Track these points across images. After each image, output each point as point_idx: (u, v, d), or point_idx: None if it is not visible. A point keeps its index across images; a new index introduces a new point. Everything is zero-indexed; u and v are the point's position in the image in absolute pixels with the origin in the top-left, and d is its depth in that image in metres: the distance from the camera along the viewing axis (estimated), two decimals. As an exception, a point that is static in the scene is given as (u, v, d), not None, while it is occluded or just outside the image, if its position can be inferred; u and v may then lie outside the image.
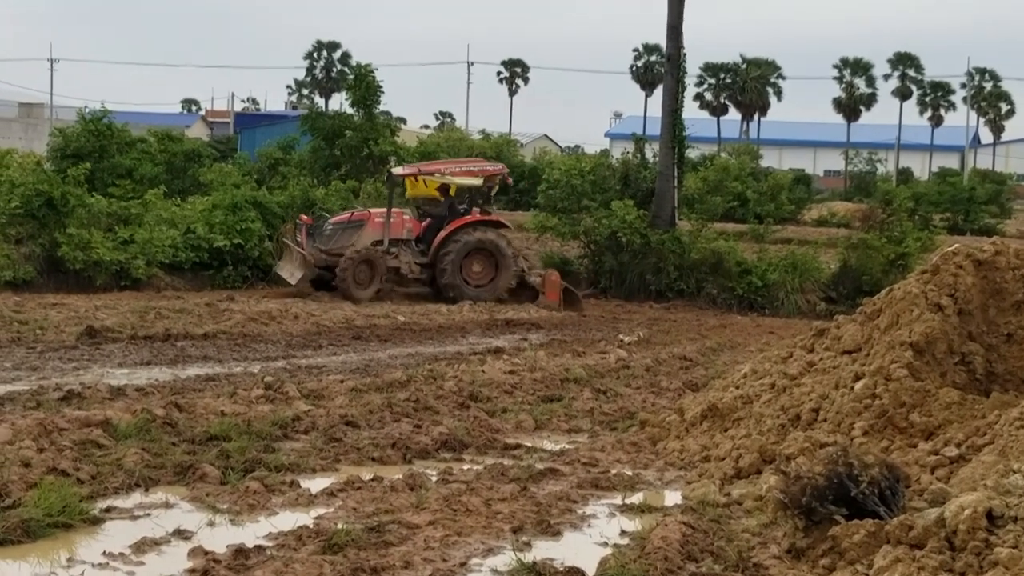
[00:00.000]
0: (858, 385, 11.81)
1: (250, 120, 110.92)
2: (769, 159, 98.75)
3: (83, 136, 38.63)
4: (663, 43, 38.59)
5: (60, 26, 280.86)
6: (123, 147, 39.24)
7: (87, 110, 40.75)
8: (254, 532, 9.70)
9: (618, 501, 11.21)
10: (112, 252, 28.81)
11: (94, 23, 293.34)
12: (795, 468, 9.28)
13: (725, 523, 10.19)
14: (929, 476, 10.24)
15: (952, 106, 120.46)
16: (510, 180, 34.29)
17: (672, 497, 11.59)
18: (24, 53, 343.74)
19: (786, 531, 9.19)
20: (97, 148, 38.22)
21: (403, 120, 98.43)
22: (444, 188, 31.10)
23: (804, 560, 8.83)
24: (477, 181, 31.26)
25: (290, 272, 29.55)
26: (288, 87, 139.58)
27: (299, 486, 11.10)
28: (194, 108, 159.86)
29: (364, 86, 42.23)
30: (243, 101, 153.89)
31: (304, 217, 30.81)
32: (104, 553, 9.10)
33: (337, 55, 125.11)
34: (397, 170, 31.59)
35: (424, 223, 31.20)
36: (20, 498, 9.76)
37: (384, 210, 30.57)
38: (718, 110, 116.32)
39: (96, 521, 9.85)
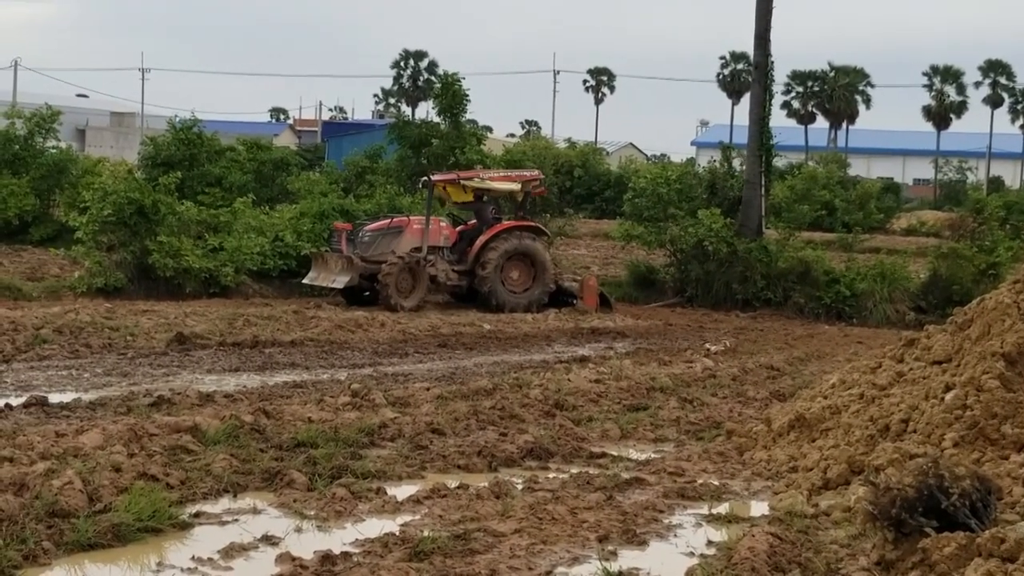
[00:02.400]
0: (949, 396, 11.66)
1: (337, 129, 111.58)
2: (857, 168, 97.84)
3: (173, 145, 39.04)
4: (750, 51, 38.40)
5: (151, 36, 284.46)
6: (212, 156, 39.61)
7: (177, 119, 41.16)
8: (341, 539, 9.76)
9: (704, 511, 11.15)
10: (201, 260, 29.08)
11: (184, 33, 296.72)
12: (884, 479, 9.18)
13: (813, 534, 10.10)
14: (1021, 488, 10.10)
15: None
16: (544, 190, 33.67)
17: (759, 507, 11.51)
18: (116, 63, 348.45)
19: (875, 543, 9.09)
20: (187, 157, 38.62)
21: (489, 129, 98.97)
22: (479, 194, 30.93)
23: (893, 573, 8.72)
24: (515, 186, 31.12)
25: (331, 278, 28.94)
26: (375, 96, 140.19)
27: (385, 493, 11.16)
28: (282, 117, 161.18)
29: (451, 95, 42.26)
30: (330, 110, 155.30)
31: (340, 224, 30.61)
32: (193, 558, 9.19)
33: (424, 64, 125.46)
34: (436, 176, 31.33)
35: (459, 230, 31.06)
36: (111, 502, 9.88)
37: (422, 217, 30.30)
38: (806, 118, 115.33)
39: (185, 526, 9.95)
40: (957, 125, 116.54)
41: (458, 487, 11.40)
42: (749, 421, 15.21)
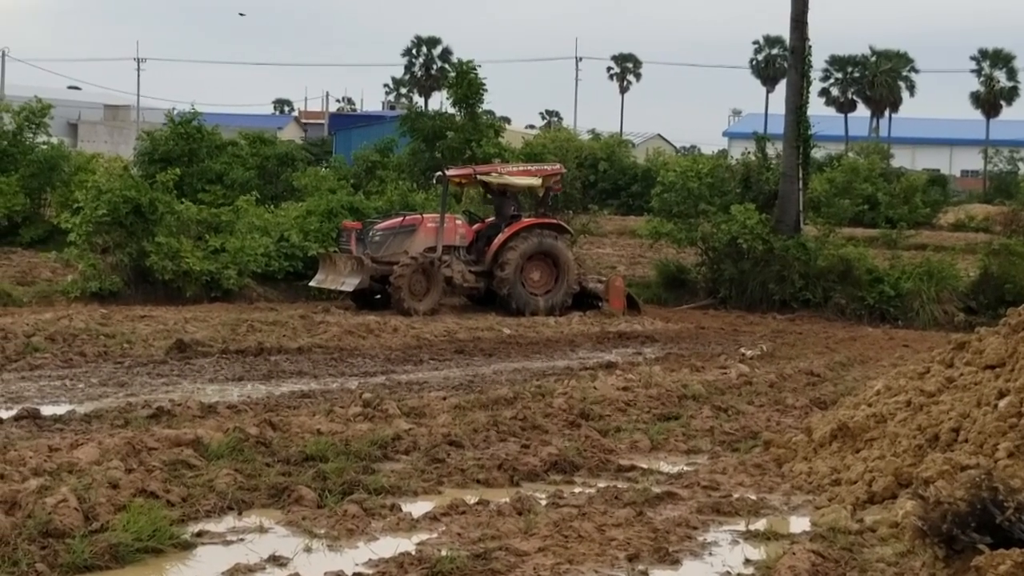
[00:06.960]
0: (1002, 403, 11.62)
1: (346, 121, 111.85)
2: (901, 159, 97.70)
3: (172, 139, 39.16)
4: (786, 35, 38.40)
5: (147, 24, 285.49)
6: (213, 151, 39.71)
7: (175, 112, 41.35)
8: (353, 558, 9.75)
9: (741, 527, 11.12)
10: (202, 262, 29.14)
11: (182, 21, 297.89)
12: (934, 492, 9.14)
13: (858, 552, 10.07)
14: (1081, 502, 10.05)
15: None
16: (559, 188, 33.32)
17: (800, 523, 11.49)
18: (109, 53, 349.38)
19: (925, 561, 9.06)
20: (186, 152, 38.73)
21: (507, 120, 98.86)
22: (491, 189, 31.03)
23: (945, 592, 8.70)
24: (536, 181, 31.11)
25: (340, 280, 28.98)
26: (385, 86, 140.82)
27: (400, 510, 11.15)
28: (287, 109, 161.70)
29: (466, 84, 42.29)
30: (338, 101, 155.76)
31: (349, 223, 30.60)
32: (196, 580, 9.21)
33: (438, 51, 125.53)
34: (451, 171, 31.27)
35: (475, 228, 31.08)
36: (108, 521, 9.89)
37: (437, 215, 30.28)
38: (846, 106, 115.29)
39: (187, 546, 9.95)
40: (1008, 112, 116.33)
41: (477, 503, 11.39)
42: (788, 431, 15.17)
